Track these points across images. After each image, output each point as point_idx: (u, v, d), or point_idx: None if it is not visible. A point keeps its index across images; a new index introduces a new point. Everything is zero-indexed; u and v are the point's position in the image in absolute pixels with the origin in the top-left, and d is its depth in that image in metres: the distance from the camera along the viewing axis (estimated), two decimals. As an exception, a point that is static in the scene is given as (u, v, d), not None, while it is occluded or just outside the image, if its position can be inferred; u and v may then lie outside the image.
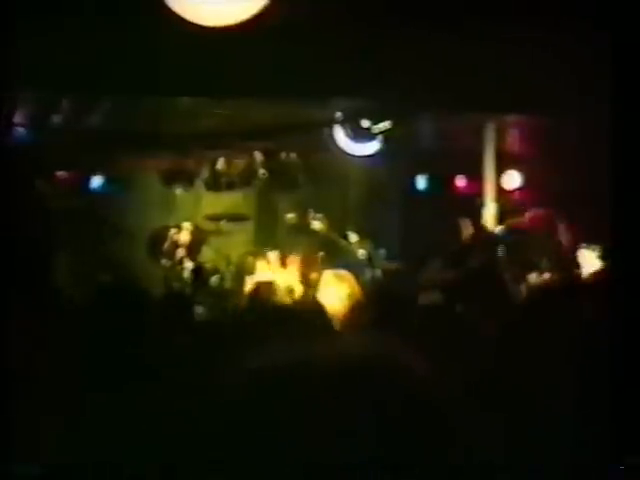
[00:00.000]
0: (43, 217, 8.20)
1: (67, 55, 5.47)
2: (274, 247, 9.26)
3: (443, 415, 0.88)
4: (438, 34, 5.42)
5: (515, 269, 7.74)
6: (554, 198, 9.34)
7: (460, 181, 10.81)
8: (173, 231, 9.78)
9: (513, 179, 10.21)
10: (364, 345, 0.97)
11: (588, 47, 4.38)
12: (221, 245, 10.26)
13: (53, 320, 2.66)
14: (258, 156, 10.69)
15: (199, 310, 7.09)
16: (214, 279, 9.49)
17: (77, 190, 10.04)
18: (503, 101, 6.55)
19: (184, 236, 9.70)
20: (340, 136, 9.51)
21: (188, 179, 10.65)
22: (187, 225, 9.86)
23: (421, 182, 10.95)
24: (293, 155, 10.75)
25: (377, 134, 9.52)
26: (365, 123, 9.37)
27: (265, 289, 4.56)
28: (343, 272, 4.46)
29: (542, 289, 3.55)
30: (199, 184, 10.71)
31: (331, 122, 9.41)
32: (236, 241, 10.51)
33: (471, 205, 9.73)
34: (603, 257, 5.46)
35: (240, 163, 10.82)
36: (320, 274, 8.39)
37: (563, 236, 8.51)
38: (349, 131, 9.46)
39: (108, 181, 10.28)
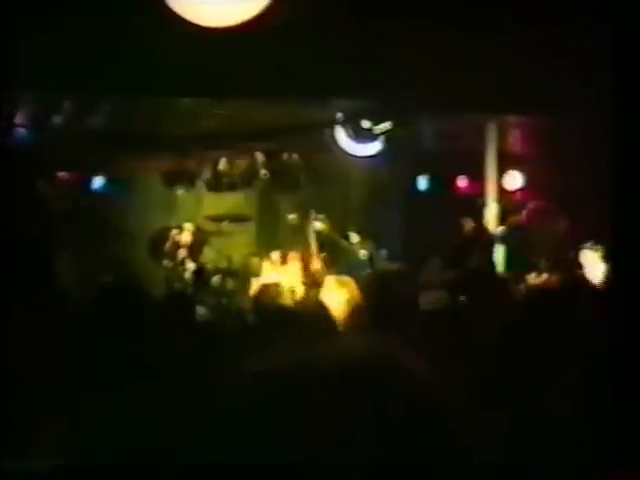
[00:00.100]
0: (44, 218, 8.21)
1: (68, 56, 5.48)
2: (276, 248, 9.27)
3: (444, 416, 0.88)
4: (439, 32, 5.42)
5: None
6: (555, 198, 9.34)
7: (461, 181, 10.81)
8: (175, 232, 9.78)
9: (514, 179, 10.21)
10: (364, 346, 0.97)
11: (588, 40, 4.36)
12: (222, 246, 10.26)
13: (55, 320, 2.66)
14: (259, 157, 10.70)
15: (200, 311, 7.09)
16: (215, 280, 9.49)
17: (78, 191, 10.05)
18: (504, 99, 6.54)
19: (185, 237, 9.71)
20: (341, 137, 9.52)
21: (189, 180, 10.66)
22: (188, 226, 9.86)
23: (422, 182, 10.95)
24: (295, 156, 10.75)
25: (378, 135, 9.52)
26: (366, 124, 9.37)
27: (270, 291, 4.57)
28: (345, 278, 4.47)
29: (543, 290, 3.56)
30: (200, 185, 10.72)
31: (332, 123, 9.41)
32: (238, 242, 10.52)
33: (473, 205, 9.74)
34: (604, 257, 5.45)
35: (242, 164, 10.83)
36: (322, 274, 8.45)
37: (563, 231, 8.52)
38: (350, 132, 9.46)
39: (109, 182, 10.29)
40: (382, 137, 9.58)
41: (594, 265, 5.61)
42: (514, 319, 2.38)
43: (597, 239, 5.63)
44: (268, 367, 0.90)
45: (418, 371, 0.91)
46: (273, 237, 10.46)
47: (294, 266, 8.83)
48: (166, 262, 9.52)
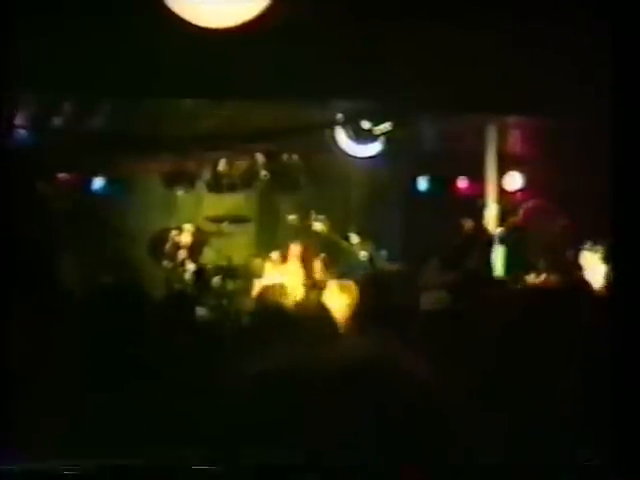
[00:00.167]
0: (44, 219, 8.21)
1: (68, 56, 5.48)
2: (276, 248, 9.26)
3: (443, 417, 0.88)
4: (439, 32, 5.42)
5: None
6: (555, 198, 9.35)
7: (462, 182, 10.81)
8: (174, 233, 9.77)
9: (514, 180, 10.21)
10: (365, 347, 0.97)
11: (587, 37, 4.36)
12: (223, 247, 10.26)
13: (55, 321, 2.66)
14: (260, 157, 10.70)
15: (201, 311, 7.09)
16: (216, 280, 9.49)
17: (78, 192, 10.04)
18: (504, 99, 6.55)
19: (185, 238, 9.70)
20: (342, 137, 9.52)
21: (189, 181, 10.66)
22: (188, 227, 9.85)
23: (423, 183, 10.95)
24: (295, 156, 10.75)
25: (378, 135, 9.53)
26: (366, 124, 9.38)
27: (272, 292, 4.58)
28: (347, 282, 4.49)
29: (542, 290, 3.55)
30: (200, 186, 10.72)
31: (332, 123, 9.42)
32: (238, 243, 10.51)
33: (473, 206, 9.74)
34: (604, 259, 5.45)
35: (241, 165, 10.83)
36: (322, 275, 8.45)
37: (562, 231, 8.52)
38: (351, 132, 9.47)
39: (109, 183, 10.28)
40: (382, 138, 9.58)
41: (594, 266, 5.61)
42: (514, 320, 2.37)
43: (597, 239, 5.63)
44: (268, 368, 0.89)
45: (418, 372, 0.91)
46: (273, 238, 10.45)
47: (294, 265, 8.82)
48: (166, 263, 9.51)
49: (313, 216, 9.60)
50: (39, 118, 8.44)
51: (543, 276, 7.24)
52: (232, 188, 10.78)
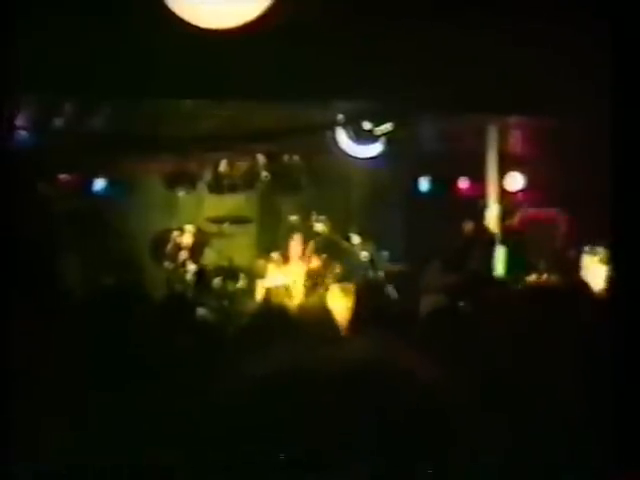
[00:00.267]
0: (45, 220, 8.21)
1: (68, 57, 5.48)
2: (277, 249, 9.26)
3: (445, 418, 0.88)
4: (438, 30, 5.42)
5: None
6: (557, 199, 9.35)
7: (463, 183, 10.81)
8: (176, 234, 9.77)
9: (516, 181, 10.21)
10: (366, 349, 0.96)
11: (588, 37, 4.36)
12: (224, 247, 10.26)
13: (56, 321, 2.66)
14: (261, 158, 10.70)
15: (202, 312, 7.09)
16: (217, 281, 9.49)
17: (79, 193, 10.06)
18: (505, 99, 6.55)
19: (187, 239, 9.70)
20: (343, 138, 9.52)
21: (190, 182, 10.67)
22: (190, 228, 9.85)
23: (424, 184, 10.95)
24: (296, 157, 10.75)
25: (379, 136, 9.53)
26: (367, 125, 9.37)
27: (275, 294, 4.60)
28: (348, 285, 4.50)
29: (543, 291, 3.54)
30: (202, 187, 10.72)
31: (333, 124, 9.41)
32: (239, 243, 10.51)
33: (474, 207, 9.74)
34: (605, 260, 5.45)
35: (243, 165, 10.83)
36: (323, 276, 8.44)
37: (562, 234, 8.52)
38: (351, 133, 9.47)
39: (110, 184, 10.29)
40: (383, 138, 9.58)
41: (595, 266, 5.61)
42: (515, 320, 2.37)
43: (598, 240, 5.63)
44: (269, 370, 0.89)
45: (419, 374, 0.91)
46: (274, 239, 10.45)
47: (296, 265, 8.81)
48: (167, 264, 9.51)
49: (314, 217, 9.60)
50: (40, 119, 8.44)
51: (544, 277, 7.24)
52: (233, 189, 10.79)
